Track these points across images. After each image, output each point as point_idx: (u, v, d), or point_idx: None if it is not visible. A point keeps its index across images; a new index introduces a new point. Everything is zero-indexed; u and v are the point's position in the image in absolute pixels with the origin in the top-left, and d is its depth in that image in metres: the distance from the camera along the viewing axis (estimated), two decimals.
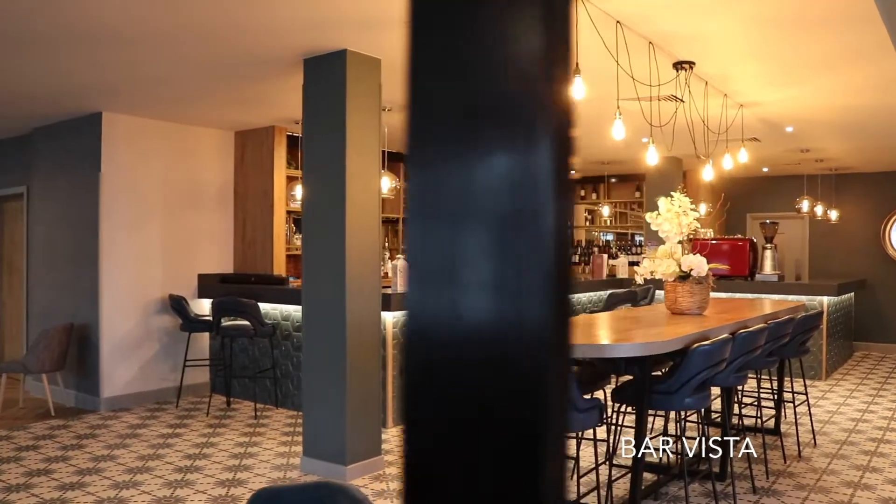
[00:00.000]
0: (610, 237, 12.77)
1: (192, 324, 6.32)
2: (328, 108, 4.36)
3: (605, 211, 10.08)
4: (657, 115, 4.71)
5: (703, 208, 9.08)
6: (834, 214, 10.00)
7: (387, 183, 6.04)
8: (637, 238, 11.67)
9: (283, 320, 6.34)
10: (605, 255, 9.51)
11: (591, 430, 3.29)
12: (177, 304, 6.38)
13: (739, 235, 8.79)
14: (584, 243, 12.20)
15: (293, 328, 6.19)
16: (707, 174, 5.16)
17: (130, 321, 6.36)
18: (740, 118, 5.88)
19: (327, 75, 4.37)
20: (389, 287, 5.97)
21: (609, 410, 3.83)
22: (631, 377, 3.35)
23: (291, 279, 7.03)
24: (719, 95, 5.28)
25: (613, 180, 11.34)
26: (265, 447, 5.03)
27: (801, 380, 7.36)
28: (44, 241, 6.80)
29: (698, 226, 4.40)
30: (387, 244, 8.82)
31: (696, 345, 3.10)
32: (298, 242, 7.31)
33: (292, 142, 7.18)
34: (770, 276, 8.07)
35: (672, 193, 4.44)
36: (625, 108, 5.21)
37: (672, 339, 3.03)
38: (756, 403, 4.79)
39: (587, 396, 3.39)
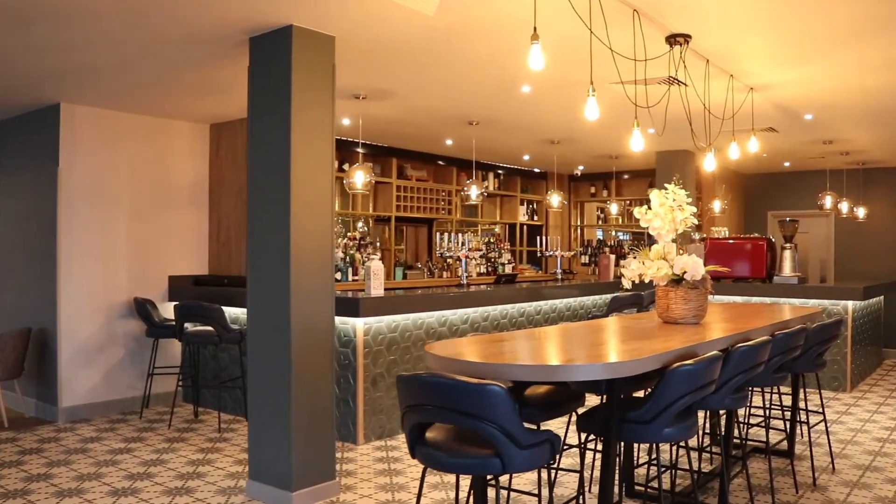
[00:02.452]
0: (625, 236, 12.16)
1: (158, 329, 5.92)
2: (272, 90, 3.90)
3: (614, 209, 9.50)
4: (644, 96, 4.16)
5: (718, 205, 8.46)
6: (861, 212, 9.29)
7: (361, 177, 5.57)
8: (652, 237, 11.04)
9: None
10: (613, 256, 8.94)
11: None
12: (141, 308, 5.98)
13: (756, 234, 8.16)
14: (594, 243, 11.61)
15: None
16: (709, 164, 4.60)
17: (93, 326, 5.97)
18: (750, 103, 5.28)
19: (272, 55, 3.90)
20: (363, 290, 5.50)
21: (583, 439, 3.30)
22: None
23: None
24: (724, 76, 4.71)
25: (626, 176, 10.74)
26: (218, 466, 4.58)
27: (822, 392, 6.73)
28: (1, 241, 6.46)
29: (695, 222, 3.84)
30: (378, 245, 8.35)
31: (675, 365, 2.56)
32: None
33: None
34: (789, 279, 7.43)
35: (666, 186, 3.89)
36: (615, 90, 4.67)
37: (646, 357, 2.50)
38: (764, 424, 4.21)
39: (548, 424, 2.87)
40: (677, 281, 3.71)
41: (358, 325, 5.08)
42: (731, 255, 7.81)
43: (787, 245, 7.54)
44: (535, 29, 2.75)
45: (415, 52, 4.36)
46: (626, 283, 3.78)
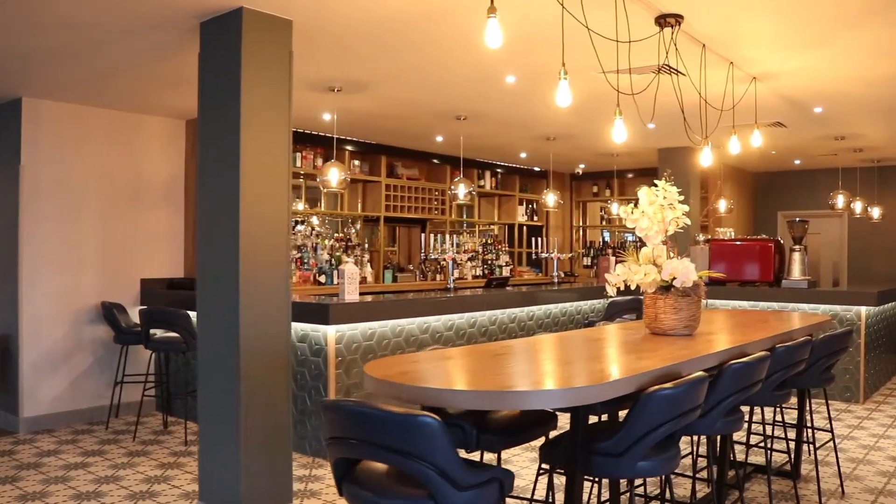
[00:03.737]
0: (632, 238, 11.75)
1: (125, 335, 5.61)
2: (222, 79, 3.57)
3: (615, 208, 9.11)
4: (631, 84, 3.79)
5: (723, 205, 8.06)
6: (876, 212, 8.84)
7: (335, 174, 5.24)
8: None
9: None
10: (613, 259, 8.54)
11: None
12: (109, 313, 5.68)
13: (764, 235, 7.75)
14: (598, 244, 11.22)
15: None
16: (705, 159, 4.21)
17: (58, 332, 5.68)
18: (754, 94, 4.89)
19: (222, 40, 3.58)
20: (336, 295, 5.17)
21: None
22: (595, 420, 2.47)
23: None
24: (723, 64, 4.32)
25: (630, 175, 10.35)
26: (175, 484, 4.26)
27: (833, 404, 6.31)
28: None
29: (687, 222, 3.47)
30: (366, 246, 8.02)
31: (651, 389, 2.20)
32: None
33: None
34: (799, 283, 7.01)
35: (656, 182, 3.53)
36: (607, 81, 4.30)
37: (614, 381, 2.14)
38: (763, 445, 3.82)
39: (513, 451, 2.52)
40: (666, 288, 3.34)
41: (329, 333, 4.74)
42: (737, 258, 7.40)
43: (797, 247, 7.11)
44: (491, 2, 2.40)
45: (384, 38, 4.02)
46: (611, 291, 3.41)
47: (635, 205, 3.45)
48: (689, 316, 3.34)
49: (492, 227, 10.06)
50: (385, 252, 8.47)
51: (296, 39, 3.90)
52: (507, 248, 9.95)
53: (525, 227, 10.33)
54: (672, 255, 3.47)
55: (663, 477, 3.64)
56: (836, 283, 9.68)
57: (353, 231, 7.82)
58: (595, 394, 2.02)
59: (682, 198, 3.49)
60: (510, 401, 1.95)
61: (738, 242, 7.52)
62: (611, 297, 3.42)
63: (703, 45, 3.97)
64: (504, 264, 9.58)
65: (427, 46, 4.16)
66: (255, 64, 3.51)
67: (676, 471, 4.17)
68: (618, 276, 3.40)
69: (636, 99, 3.97)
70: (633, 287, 3.39)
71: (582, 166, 9.97)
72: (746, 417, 4.29)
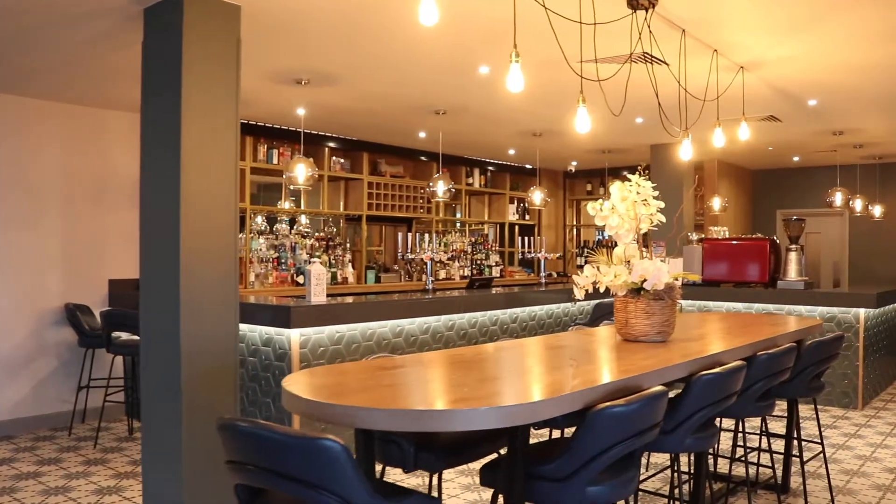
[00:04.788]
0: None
1: (89, 338, 5.39)
2: (164, 67, 3.34)
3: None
4: (605, 71, 3.53)
5: (718, 203, 7.79)
6: (878, 210, 8.55)
7: (302, 171, 5.00)
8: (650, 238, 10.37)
9: None
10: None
11: None
12: (72, 316, 5.47)
13: (759, 234, 7.48)
14: (592, 243, 10.96)
15: None
16: (685, 153, 3.96)
17: (19, 334, 5.46)
18: (742, 85, 4.63)
19: (164, 26, 3.35)
20: (303, 296, 4.93)
21: None
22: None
23: None
24: (706, 52, 4.07)
25: (625, 173, 10.07)
26: (126, 496, 4.03)
27: (834, 411, 6.04)
28: None
29: (662, 219, 3.22)
30: (348, 246, 7.78)
31: (600, 406, 1.95)
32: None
33: None
34: (795, 283, 6.74)
35: (629, 176, 3.28)
36: (589, 73, 4.05)
37: (559, 396, 1.90)
38: (744, 458, 3.57)
39: (457, 471, 2.29)
40: (638, 290, 3.10)
41: (293, 337, 4.50)
42: (731, 258, 7.14)
43: (793, 246, 6.84)
44: None
45: (341, 26, 3.79)
46: (578, 294, 3.16)
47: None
48: (662, 321, 3.09)
49: (482, 226, 9.81)
50: (371, 252, 8.24)
51: (250, 27, 3.68)
52: (497, 248, 9.70)
53: (517, 227, 10.08)
54: (647, 255, 3.22)
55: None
56: (837, 284, 9.39)
57: (334, 230, 7.59)
58: (527, 414, 1.78)
59: (656, 193, 3.25)
60: (425, 422, 1.71)
61: (732, 242, 7.26)
62: (578, 300, 3.19)
63: (683, 31, 3.71)
64: (494, 264, 9.33)
65: (389, 36, 3.93)
66: (198, 51, 3.28)
67: (652, 490, 3.93)
68: (586, 277, 3.15)
69: (620, 89, 3.73)
70: (601, 289, 3.14)
71: (574, 164, 9.71)
72: (734, 427, 4.05)
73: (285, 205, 7.28)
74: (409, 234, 8.53)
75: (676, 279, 3.19)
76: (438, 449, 2.33)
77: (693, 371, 2.59)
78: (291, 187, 5.14)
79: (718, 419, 3.29)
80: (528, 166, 9.86)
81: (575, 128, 3.15)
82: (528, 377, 2.27)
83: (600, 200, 3.20)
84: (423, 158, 8.49)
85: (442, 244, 8.82)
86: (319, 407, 1.83)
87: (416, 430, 1.74)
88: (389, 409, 1.75)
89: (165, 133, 3.32)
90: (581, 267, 10.53)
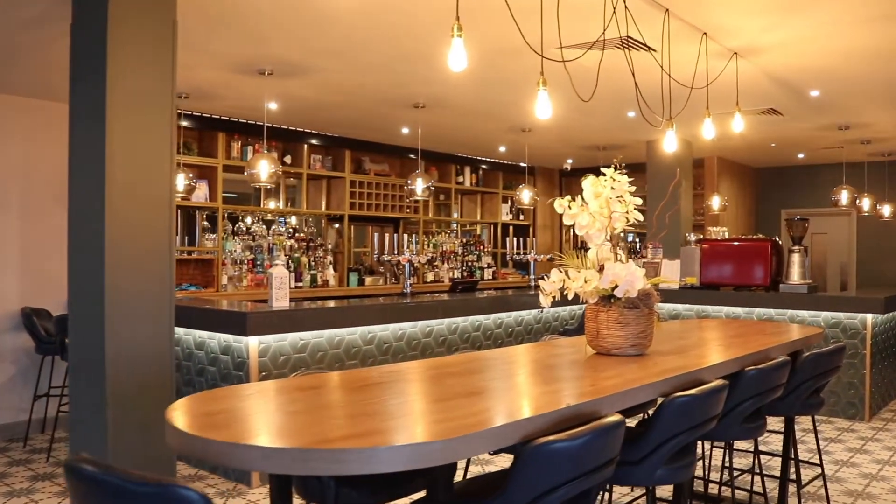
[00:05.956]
0: (631, 238, 11.10)
1: (46, 345, 5.11)
2: (89, 51, 3.03)
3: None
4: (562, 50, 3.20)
5: (717, 202, 7.43)
6: (887, 210, 8.15)
7: (265, 167, 4.70)
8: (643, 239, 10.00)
9: (174, 345, 4.99)
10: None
11: None
12: (27, 321, 5.18)
13: (761, 235, 7.12)
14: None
15: (185, 356, 4.80)
16: (668, 145, 3.62)
17: None
18: (735, 72, 4.28)
19: (91, 8, 3.04)
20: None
21: None
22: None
23: (181, 288, 5.76)
24: (696, 36, 3.72)
25: (623, 171, 9.71)
26: None
27: (839, 422, 5.66)
28: None
29: (639, 217, 2.88)
30: (330, 247, 7.47)
31: (539, 441, 1.62)
32: (189, 245, 6.05)
33: (186, 122, 5.92)
34: (798, 287, 6.36)
35: (604, 170, 2.94)
36: (580, 65, 3.72)
37: (484, 431, 1.57)
38: (729, 483, 3.23)
39: None
40: (610, 298, 2.76)
41: (251, 344, 4.19)
42: (731, 260, 6.76)
43: (796, 248, 6.46)
44: None
45: (291, 11, 3.47)
46: (544, 301, 2.83)
47: (572, 198, 2.87)
48: (637, 332, 2.75)
49: (475, 226, 9.48)
50: (358, 254, 7.93)
51: (198, 13, 3.39)
52: (490, 249, 9.37)
53: (511, 227, 9.74)
54: (622, 257, 2.89)
55: None
56: (845, 287, 9.00)
57: (315, 230, 7.28)
58: (441, 454, 1.45)
59: (633, 189, 2.91)
60: (313, 464, 1.38)
61: (731, 243, 6.89)
62: (545, 307, 2.84)
63: (667, 10, 3.37)
64: (486, 266, 9.00)
65: (341, 23, 3.61)
66: (126, 33, 2.98)
67: None
68: (552, 283, 2.82)
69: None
70: (570, 296, 2.81)
71: (570, 161, 9.37)
72: (723, 446, 3.71)
73: (271, 204, 6.99)
74: (397, 235, 8.21)
75: (656, 285, 2.85)
76: (362, 484, 2.01)
77: (665, 392, 2.25)
78: (254, 185, 4.83)
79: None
80: (521, 164, 9.53)
81: (536, 115, 2.81)
82: (460, 403, 1.94)
83: (568, 197, 2.86)
84: (411, 156, 8.17)
85: (431, 245, 8.49)
86: (190, 441, 1.52)
87: (300, 472, 1.42)
88: (266, 447, 1.42)
89: (91, 121, 3.01)
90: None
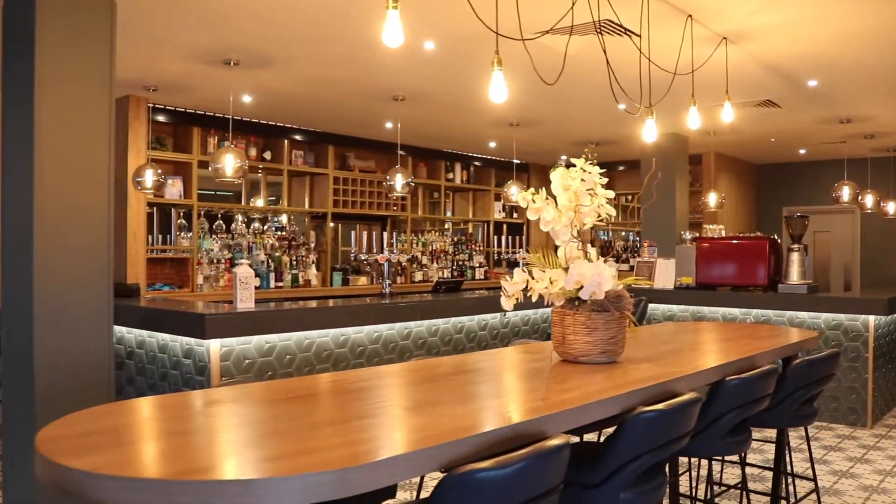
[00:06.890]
0: (631, 237, 10.83)
1: None
2: (19, 33, 2.82)
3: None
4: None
5: (714, 199, 7.17)
6: (892, 207, 7.87)
7: (231, 162, 4.48)
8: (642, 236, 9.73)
9: (137, 347, 4.77)
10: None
11: None
12: None
13: (759, 233, 6.85)
14: None
15: (148, 359, 4.56)
16: (648, 134, 3.37)
17: None
18: (725, 59, 4.03)
19: None
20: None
21: None
22: None
23: (155, 288, 5.55)
24: (680, 18, 3.48)
25: (621, 168, 9.46)
26: None
27: (840, 429, 5.40)
28: None
29: (611, 212, 2.64)
30: (313, 246, 7.25)
31: (466, 468, 1.38)
32: (164, 243, 5.83)
33: (161, 116, 5.71)
34: (797, 287, 6.09)
35: (574, 162, 2.71)
36: (570, 53, 3.47)
37: (397, 456, 1.33)
38: (710, 500, 2.98)
39: None
40: (577, 300, 2.52)
41: (213, 347, 3.97)
42: (728, 259, 6.50)
43: (795, 246, 6.20)
44: None
45: None
46: (506, 304, 2.59)
47: (536, 191, 2.63)
48: (606, 338, 2.51)
49: (466, 224, 9.24)
50: (345, 252, 7.70)
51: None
52: (483, 248, 9.13)
53: (504, 225, 9.49)
54: (596, 255, 2.64)
55: None
56: (848, 286, 8.71)
57: (297, 228, 7.06)
58: (335, 487, 1.21)
59: (605, 181, 2.67)
60: (179, 497, 1.15)
61: (728, 241, 6.63)
62: (507, 311, 2.60)
63: None
64: (478, 265, 8.76)
65: (307, 9, 3.38)
66: (59, 12, 2.76)
67: None
68: (515, 284, 2.58)
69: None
70: (534, 298, 2.57)
71: (564, 158, 9.11)
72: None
73: (258, 202, 6.77)
74: (385, 233, 7.98)
75: (628, 285, 2.61)
76: None
77: (630, 406, 2.01)
78: (218, 180, 4.61)
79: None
80: (515, 161, 9.28)
81: (490, 97, 2.57)
82: (386, 421, 1.71)
83: (532, 189, 2.62)
84: (401, 153, 7.93)
85: (420, 244, 8.26)
86: (51, 468, 1.29)
87: None
88: (127, 478, 1.19)
89: (19, 107, 2.79)
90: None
